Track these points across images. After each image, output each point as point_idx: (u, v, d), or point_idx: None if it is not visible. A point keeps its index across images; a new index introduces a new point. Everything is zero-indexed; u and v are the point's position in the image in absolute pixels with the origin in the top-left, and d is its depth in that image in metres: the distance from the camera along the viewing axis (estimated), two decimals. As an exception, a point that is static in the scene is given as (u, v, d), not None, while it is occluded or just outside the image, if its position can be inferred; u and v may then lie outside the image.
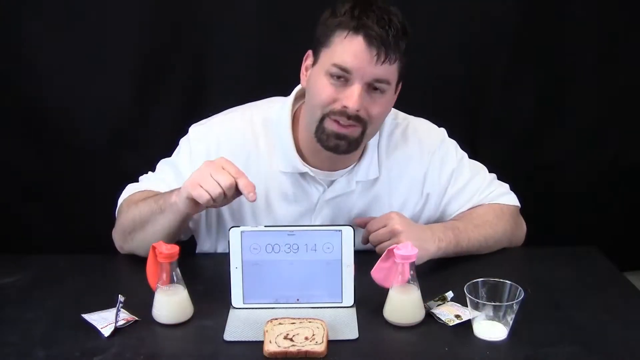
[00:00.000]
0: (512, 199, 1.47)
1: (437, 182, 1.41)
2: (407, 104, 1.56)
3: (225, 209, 1.36)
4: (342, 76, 1.21)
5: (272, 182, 1.35)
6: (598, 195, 1.95)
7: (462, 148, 1.46)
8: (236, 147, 1.34)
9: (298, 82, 1.36)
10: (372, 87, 1.22)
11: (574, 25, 1.80)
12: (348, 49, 1.19)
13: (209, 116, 1.42)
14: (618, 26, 1.81)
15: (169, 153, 1.43)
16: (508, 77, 1.85)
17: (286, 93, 1.45)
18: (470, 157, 1.47)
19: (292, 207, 1.36)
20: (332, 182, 1.37)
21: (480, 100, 1.86)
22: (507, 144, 1.87)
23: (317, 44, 1.25)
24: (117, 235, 1.37)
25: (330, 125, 1.24)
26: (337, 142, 1.25)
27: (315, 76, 1.25)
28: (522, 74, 1.84)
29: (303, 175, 1.35)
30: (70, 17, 1.69)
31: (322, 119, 1.25)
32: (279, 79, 1.71)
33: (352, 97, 1.20)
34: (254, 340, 1.07)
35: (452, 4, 1.76)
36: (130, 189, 1.40)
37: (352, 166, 1.36)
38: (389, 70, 1.21)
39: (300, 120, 1.35)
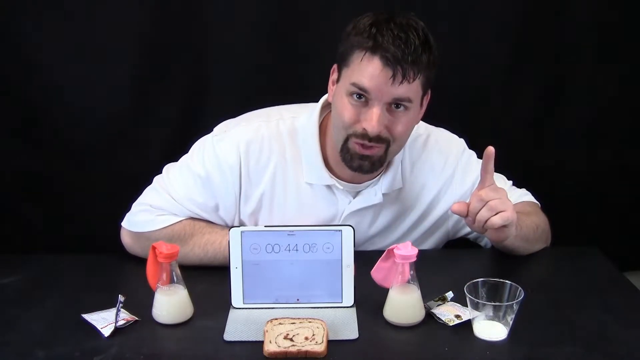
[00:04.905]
0: (532, 199, 1.49)
1: (460, 190, 1.40)
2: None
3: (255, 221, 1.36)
4: (362, 95, 1.20)
5: (298, 193, 1.34)
6: (598, 195, 1.94)
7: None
8: (263, 156, 1.33)
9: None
10: (393, 105, 1.21)
11: (574, 25, 1.80)
12: (365, 70, 1.18)
13: (212, 119, 1.41)
14: (618, 26, 1.81)
15: (168, 153, 1.43)
16: (508, 77, 1.84)
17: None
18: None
19: (318, 219, 1.35)
20: (357, 193, 1.36)
21: (480, 101, 1.86)
22: (507, 144, 1.87)
23: (340, 61, 1.24)
24: (137, 241, 1.36)
25: (353, 147, 1.24)
26: (360, 163, 1.26)
27: (338, 94, 1.25)
28: (522, 74, 1.84)
29: (329, 187, 1.35)
30: (70, 17, 1.68)
31: (346, 140, 1.25)
32: (278, 81, 1.72)
33: (371, 121, 1.20)
34: (254, 340, 1.07)
35: (452, 4, 1.76)
36: (160, 203, 1.35)
37: (378, 177, 1.36)
38: (409, 89, 1.19)
39: (327, 131, 1.34)
